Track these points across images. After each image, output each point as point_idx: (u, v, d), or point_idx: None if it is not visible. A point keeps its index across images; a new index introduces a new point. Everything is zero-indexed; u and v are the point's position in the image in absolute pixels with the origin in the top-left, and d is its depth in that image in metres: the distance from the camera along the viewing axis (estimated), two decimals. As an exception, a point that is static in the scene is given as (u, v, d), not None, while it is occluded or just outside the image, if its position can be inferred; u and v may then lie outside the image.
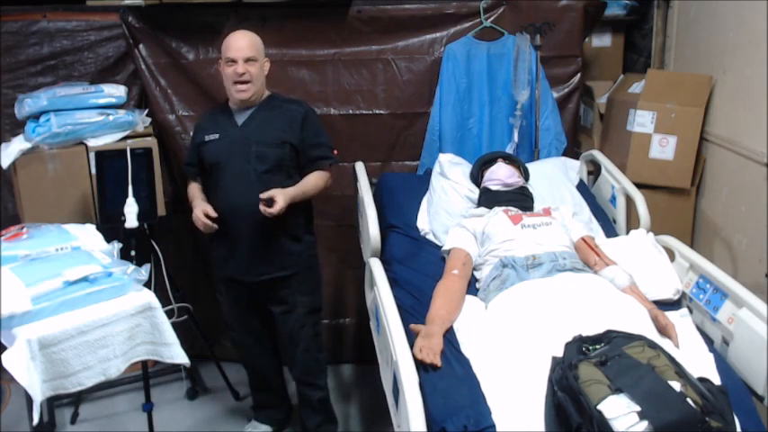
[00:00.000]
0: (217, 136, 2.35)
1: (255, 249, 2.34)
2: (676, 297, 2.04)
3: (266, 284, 2.39)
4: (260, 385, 2.69)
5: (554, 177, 2.64)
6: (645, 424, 1.30)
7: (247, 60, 2.27)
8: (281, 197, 2.20)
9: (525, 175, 2.50)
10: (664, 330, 1.78)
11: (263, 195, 2.20)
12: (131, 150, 2.47)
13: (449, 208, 2.49)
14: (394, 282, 2.08)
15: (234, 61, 2.26)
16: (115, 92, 2.71)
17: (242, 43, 2.28)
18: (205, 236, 2.39)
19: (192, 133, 2.58)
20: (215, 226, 2.29)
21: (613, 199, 2.58)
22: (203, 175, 2.44)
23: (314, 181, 2.37)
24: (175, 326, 1.94)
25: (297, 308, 2.43)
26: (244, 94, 2.29)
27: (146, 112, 2.81)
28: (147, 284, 1.92)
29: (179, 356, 1.90)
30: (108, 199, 2.50)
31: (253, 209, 2.22)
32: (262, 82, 2.35)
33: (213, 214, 2.28)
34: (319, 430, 2.56)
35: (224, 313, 2.61)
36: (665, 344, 1.64)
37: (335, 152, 2.45)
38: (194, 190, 2.45)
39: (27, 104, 2.55)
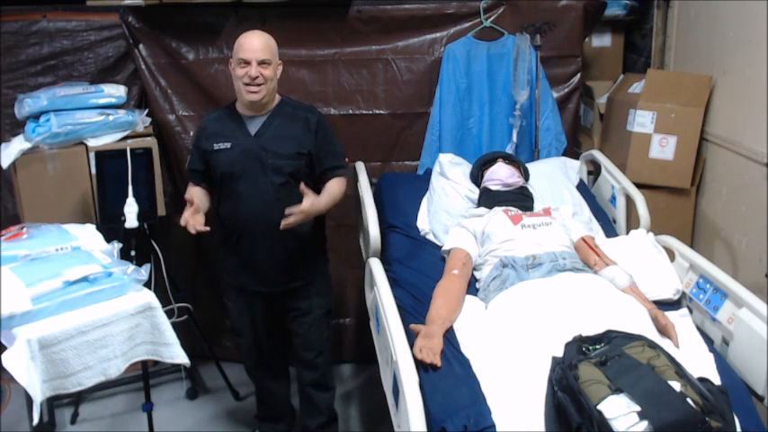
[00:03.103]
0: (228, 145, 2.24)
1: (273, 261, 2.29)
2: (676, 297, 2.04)
3: (282, 293, 2.37)
4: (264, 396, 2.62)
5: (554, 177, 2.64)
6: (645, 424, 1.30)
7: (261, 63, 2.16)
8: (307, 209, 2.11)
9: (525, 175, 2.50)
10: (664, 330, 1.78)
11: (291, 210, 2.09)
12: (131, 150, 2.47)
13: (449, 208, 2.49)
14: (394, 282, 2.08)
15: (247, 63, 2.16)
16: (115, 92, 2.71)
17: (256, 44, 2.17)
18: (214, 243, 2.30)
19: (194, 134, 2.42)
20: (204, 228, 2.08)
21: (613, 199, 2.58)
22: (211, 182, 2.33)
23: (339, 188, 2.30)
24: (175, 326, 1.94)
25: (314, 310, 2.39)
26: (255, 96, 2.18)
27: (146, 112, 2.81)
28: (147, 284, 1.92)
29: (179, 356, 1.90)
30: (108, 199, 2.50)
31: (270, 221, 2.15)
32: (274, 85, 2.25)
33: (199, 217, 2.09)
34: (322, 431, 2.54)
35: (231, 319, 2.56)
36: (665, 344, 1.64)
37: (347, 159, 2.38)
38: (193, 193, 2.27)
39: (27, 104, 2.55)
